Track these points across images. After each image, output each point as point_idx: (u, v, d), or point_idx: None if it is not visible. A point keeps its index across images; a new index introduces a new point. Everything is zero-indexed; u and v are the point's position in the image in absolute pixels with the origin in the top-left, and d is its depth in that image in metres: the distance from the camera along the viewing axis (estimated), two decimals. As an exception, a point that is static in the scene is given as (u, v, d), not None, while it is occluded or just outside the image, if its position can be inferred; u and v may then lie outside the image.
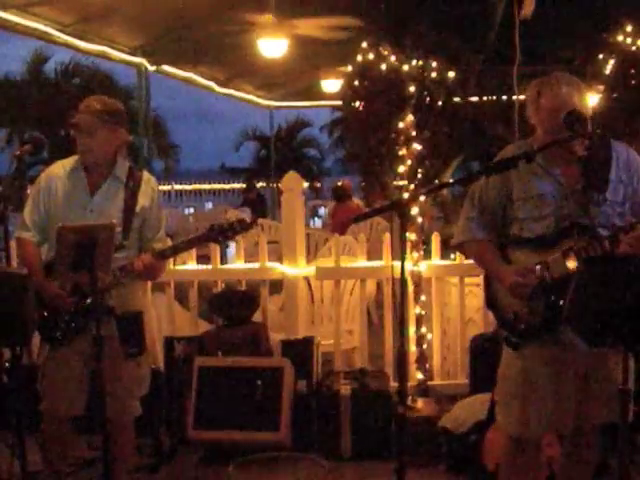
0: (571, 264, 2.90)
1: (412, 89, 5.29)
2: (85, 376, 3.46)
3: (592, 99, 5.65)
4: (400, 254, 2.60)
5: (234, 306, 5.00)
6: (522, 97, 6.20)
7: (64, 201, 3.49)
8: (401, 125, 5.23)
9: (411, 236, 5.06)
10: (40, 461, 3.56)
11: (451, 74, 5.54)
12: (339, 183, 11.30)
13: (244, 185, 19.08)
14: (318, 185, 26.04)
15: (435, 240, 5.16)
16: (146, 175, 3.62)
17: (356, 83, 5.69)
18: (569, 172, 3.00)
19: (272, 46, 8.87)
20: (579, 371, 3.00)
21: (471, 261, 4.87)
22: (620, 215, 2.98)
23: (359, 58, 5.57)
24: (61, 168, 3.56)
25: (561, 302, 2.89)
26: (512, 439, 3.14)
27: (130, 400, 3.57)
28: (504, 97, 7.67)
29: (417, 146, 5.24)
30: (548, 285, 2.94)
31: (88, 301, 3.36)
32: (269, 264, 5.32)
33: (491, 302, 3.17)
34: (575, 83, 2.99)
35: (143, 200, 3.54)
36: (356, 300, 5.56)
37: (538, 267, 2.96)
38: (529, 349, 3.02)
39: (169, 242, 3.73)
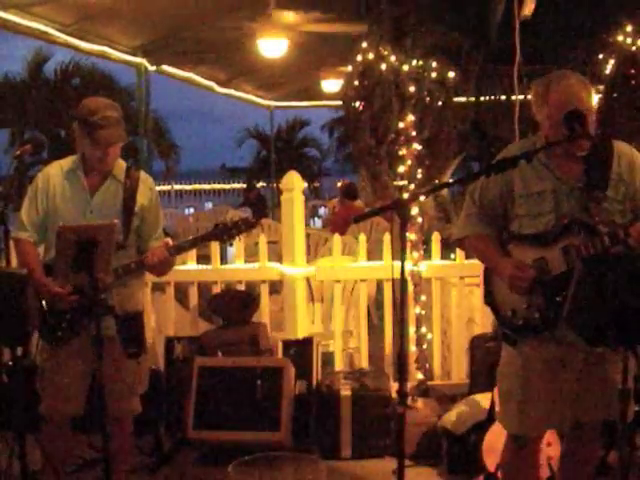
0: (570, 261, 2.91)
1: (412, 89, 5.29)
2: (85, 376, 3.46)
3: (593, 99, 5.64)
4: (400, 254, 2.60)
5: (234, 306, 5.00)
6: (522, 97, 6.22)
7: (63, 202, 3.48)
8: (401, 125, 5.23)
9: (411, 236, 5.06)
10: (40, 461, 3.56)
11: (451, 74, 5.54)
12: (347, 181, 11.31)
13: (244, 185, 19.11)
14: (317, 185, 26.07)
15: (435, 240, 5.16)
16: (143, 174, 3.61)
17: (356, 83, 5.69)
18: (570, 170, 3.00)
19: (272, 46, 8.87)
20: (577, 369, 3.00)
21: (471, 261, 4.90)
22: (621, 213, 2.99)
23: (359, 58, 5.58)
24: (59, 168, 3.53)
25: (559, 299, 2.89)
26: (512, 437, 3.15)
27: (131, 398, 3.58)
28: (504, 97, 7.67)
29: (417, 146, 5.24)
30: (547, 282, 2.95)
31: (88, 301, 3.36)
32: (269, 264, 5.32)
33: (489, 298, 3.17)
34: (582, 81, 3.00)
35: (142, 199, 3.55)
36: (356, 300, 5.56)
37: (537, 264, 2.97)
38: (527, 346, 3.03)
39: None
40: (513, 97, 6.32)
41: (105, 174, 3.51)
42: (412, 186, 5.19)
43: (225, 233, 3.51)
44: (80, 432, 3.76)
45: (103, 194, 3.50)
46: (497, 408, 3.28)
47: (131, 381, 3.53)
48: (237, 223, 3.51)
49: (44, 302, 3.40)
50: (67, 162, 3.55)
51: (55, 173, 3.52)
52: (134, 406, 3.62)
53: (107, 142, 3.37)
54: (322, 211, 18.75)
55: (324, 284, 5.75)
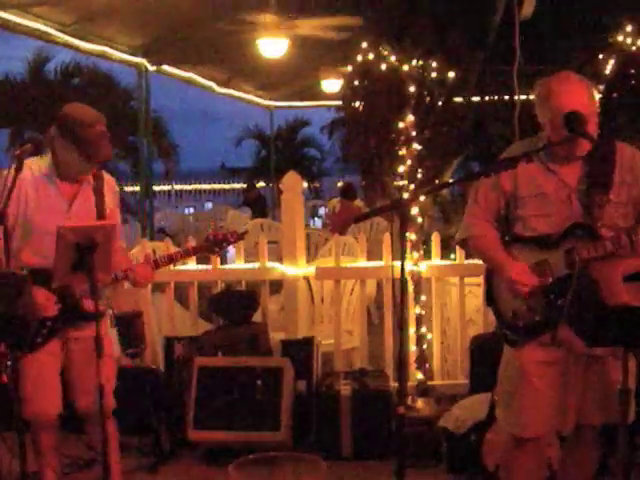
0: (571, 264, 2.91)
1: (412, 89, 5.29)
2: (59, 374, 3.48)
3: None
4: (400, 254, 2.60)
5: (234, 306, 5.01)
6: (522, 97, 6.21)
7: (40, 208, 3.40)
8: (401, 125, 5.23)
9: (411, 236, 5.06)
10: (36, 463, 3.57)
11: (451, 74, 5.54)
12: (346, 182, 11.31)
13: (244, 185, 19.12)
14: (317, 185, 26.08)
15: (435, 240, 5.16)
16: (107, 175, 3.60)
17: (356, 83, 5.69)
18: (573, 172, 3.00)
19: (272, 46, 8.88)
20: (578, 371, 3.00)
21: (471, 261, 4.89)
22: (623, 216, 2.98)
23: (359, 58, 5.57)
24: (28, 171, 3.36)
25: (560, 301, 2.89)
26: (512, 438, 3.15)
27: (108, 394, 3.56)
28: (504, 97, 7.67)
29: (417, 146, 5.24)
30: (548, 284, 2.94)
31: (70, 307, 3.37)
32: (269, 264, 5.32)
33: (491, 299, 3.17)
34: (585, 82, 2.99)
35: (109, 201, 3.55)
36: (356, 300, 5.56)
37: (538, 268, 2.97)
38: (528, 348, 3.03)
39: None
40: (514, 97, 6.33)
41: (80, 180, 3.48)
42: (412, 186, 5.19)
43: (216, 245, 3.66)
44: (76, 433, 3.77)
45: (81, 199, 3.48)
46: (497, 409, 3.28)
47: (106, 380, 3.50)
48: (226, 236, 3.68)
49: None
50: (37, 166, 3.42)
51: (26, 177, 3.35)
52: (109, 402, 3.60)
53: (104, 158, 3.39)
54: (322, 211, 18.75)
55: (324, 284, 5.76)
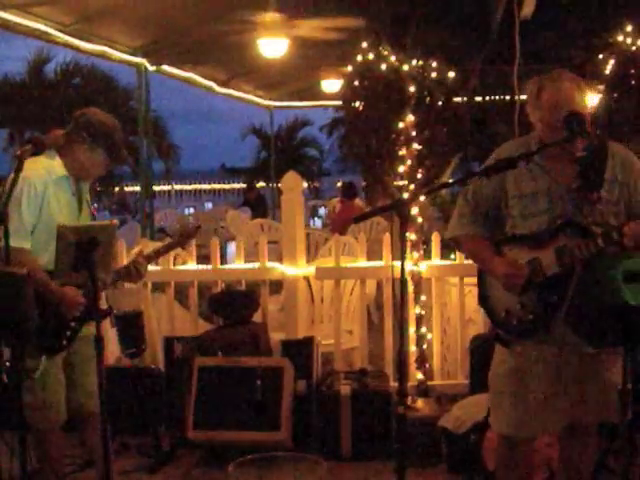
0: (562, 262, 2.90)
1: (412, 89, 5.29)
2: (64, 379, 3.49)
3: (592, 99, 5.65)
4: (400, 254, 2.60)
5: (234, 306, 5.01)
6: (522, 97, 6.21)
7: (61, 209, 3.42)
8: (401, 125, 5.23)
9: (411, 236, 5.06)
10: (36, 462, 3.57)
11: (451, 74, 5.53)
12: (346, 181, 11.33)
13: (244, 185, 19.15)
14: (317, 185, 26.13)
15: (435, 240, 5.16)
16: None
17: (356, 83, 5.68)
18: (565, 170, 2.99)
19: (272, 46, 8.88)
20: (572, 370, 2.99)
21: (471, 261, 4.89)
22: (615, 215, 2.97)
23: (359, 58, 5.56)
24: (45, 174, 3.38)
25: (553, 299, 2.89)
26: (503, 438, 3.14)
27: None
28: (504, 97, 7.68)
29: (417, 146, 5.24)
30: (540, 282, 2.94)
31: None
32: (269, 264, 5.32)
33: (484, 300, 3.17)
34: (576, 80, 2.98)
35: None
36: (356, 300, 5.56)
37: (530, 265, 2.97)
38: (521, 347, 3.02)
39: None
40: (514, 97, 6.33)
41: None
42: (412, 186, 5.19)
43: (182, 242, 3.99)
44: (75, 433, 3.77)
45: (84, 199, 3.54)
46: (490, 409, 3.27)
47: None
48: (189, 229, 4.09)
49: (49, 311, 3.35)
50: (51, 167, 3.42)
51: (45, 177, 3.37)
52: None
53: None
54: (322, 211, 18.76)
55: (324, 284, 5.75)
